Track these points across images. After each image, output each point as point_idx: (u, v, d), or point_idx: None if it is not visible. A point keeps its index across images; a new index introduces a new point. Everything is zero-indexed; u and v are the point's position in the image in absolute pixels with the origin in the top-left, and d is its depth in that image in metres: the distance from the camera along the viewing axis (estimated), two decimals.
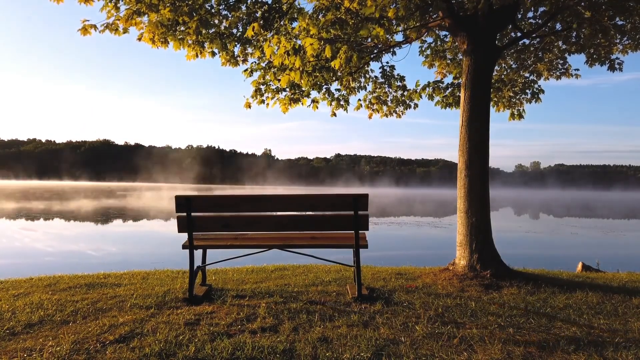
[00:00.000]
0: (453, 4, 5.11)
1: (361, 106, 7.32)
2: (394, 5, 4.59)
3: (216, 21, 5.51)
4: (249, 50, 6.09)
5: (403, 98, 7.29)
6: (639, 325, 3.27)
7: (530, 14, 6.04)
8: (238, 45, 5.88)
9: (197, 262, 4.04)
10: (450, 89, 6.97)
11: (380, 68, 6.88)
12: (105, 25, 4.99)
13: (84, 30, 4.90)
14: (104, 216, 23.00)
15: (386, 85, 7.17)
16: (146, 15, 4.99)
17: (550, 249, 13.95)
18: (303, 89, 6.44)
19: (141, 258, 10.59)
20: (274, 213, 3.96)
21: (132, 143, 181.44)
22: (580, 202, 61.60)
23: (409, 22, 5.58)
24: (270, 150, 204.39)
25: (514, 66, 6.87)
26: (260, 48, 5.98)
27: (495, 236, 5.07)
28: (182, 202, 3.80)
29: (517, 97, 7.05)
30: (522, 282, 4.50)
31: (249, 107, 6.46)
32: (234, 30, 5.69)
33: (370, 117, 7.53)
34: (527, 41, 6.26)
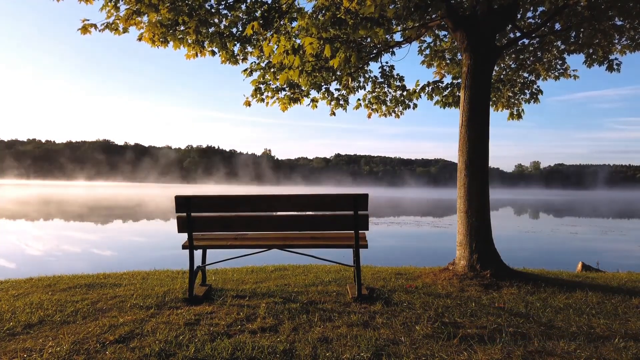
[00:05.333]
0: (452, 3, 5.11)
1: (360, 105, 7.32)
2: (393, 5, 4.59)
3: (216, 20, 5.52)
4: (249, 49, 6.10)
5: (402, 98, 7.29)
6: (639, 325, 3.27)
7: (529, 14, 6.05)
8: (238, 45, 5.89)
9: (197, 262, 4.04)
10: (449, 89, 6.97)
11: (379, 68, 6.88)
12: (105, 24, 4.99)
13: (84, 29, 4.90)
14: None
15: (385, 85, 7.17)
16: (146, 15, 4.99)
17: (550, 248, 13.96)
18: (302, 88, 6.45)
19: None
20: (274, 213, 3.96)
21: (132, 143, 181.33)
22: (580, 201, 61.62)
23: (408, 22, 5.58)
24: (270, 150, 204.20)
25: (513, 66, 6.88)
26: (260, 47, 5.98)
27: (495, 236, 5.08)
28: (182, 202, 3.80)
29: (516, 97, 7.06)
30: (522, 282, 4.50)
31: (249, 105, 6.47)
32: (234, 30, 5.69)
33: (369, 117, 7.53)
34: (526, 41, 6.26)
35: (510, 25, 5.67)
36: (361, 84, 7.00)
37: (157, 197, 47.83)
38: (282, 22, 5.63)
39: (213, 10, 5.39)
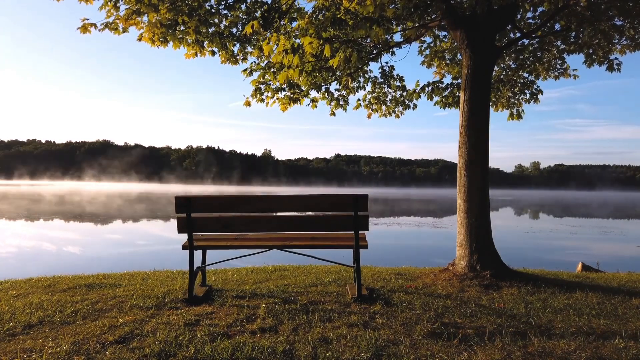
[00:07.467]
0: (452, 3, 5.11)
1: (360, 106, 7.32)
2: (393, 5, 4.58)
3: (216, 20, 5.52)
4: (249, 49, 6.10)
5: (402, 98, 7.29)
6: (639, 325, 3.26)
7: (529, 14, 6.05)
8: (237, 45, 5.88)
9: (197, 262, 4.04)
10: (449, 89, 6.97)
11: (379, 68, 6.89)
12: (104, 24, 4.99)
13: (84, 28, 4.90)
14: None
15: (385, 86, 7.17)
16: (146, 15, 4.99)
17: (550, 249, 13.95)
18: (302, 88, 6.44)
19: None
20: (274, 213, 3.96)
21: (132, 144, 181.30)
22: (580, 202, 61.61)
23: (408, 22, 5.58)
24: (270, 150, 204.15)
25: (513, 66, 6.88)
26: (260, 47, 5.98)
27: (495, 236, 5.07)
28: (182, 203, 3.79)
29: (516, 98, 7.06)
30: (521, 282, 4.49)
31: (249, 105, 6.47)
32: (234, 30, 5.69)
33: (369, 117, 7.54)
34: (526, 41, 6.26)
35: (510, 25, 5.66)
36: (361, 84, 7.00)
37: (156, 198, 47.83)
38: (282, 22, 5.62)
39: (213, 10, 5.39)
